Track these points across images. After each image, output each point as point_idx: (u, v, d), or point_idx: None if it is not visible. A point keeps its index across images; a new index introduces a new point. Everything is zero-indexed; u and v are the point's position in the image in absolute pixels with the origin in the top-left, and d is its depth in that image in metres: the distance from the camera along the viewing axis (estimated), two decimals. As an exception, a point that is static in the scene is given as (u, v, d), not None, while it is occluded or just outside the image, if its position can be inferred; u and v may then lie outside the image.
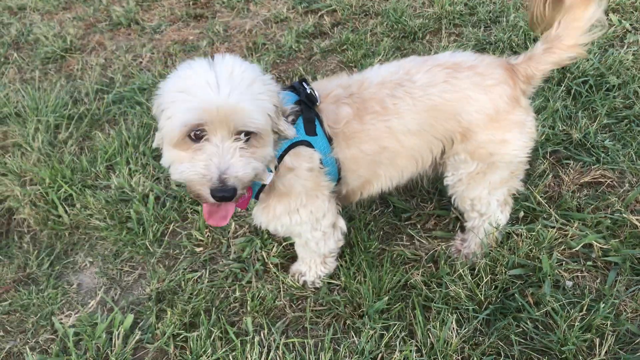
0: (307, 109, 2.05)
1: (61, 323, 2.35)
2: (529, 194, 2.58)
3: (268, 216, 2.09)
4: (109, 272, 2.59)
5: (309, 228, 2.16)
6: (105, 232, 2.73)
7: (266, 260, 2.51)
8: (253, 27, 4.25)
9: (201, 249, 2.64)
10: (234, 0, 4.57)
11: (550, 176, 2.70)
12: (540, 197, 2.57)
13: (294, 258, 2.49)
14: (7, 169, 3.12)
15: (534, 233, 2.39)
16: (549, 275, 2.26)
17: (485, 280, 2.25)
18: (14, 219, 2.95)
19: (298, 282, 2.40)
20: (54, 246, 2.75)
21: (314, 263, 2.36)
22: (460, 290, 2.22)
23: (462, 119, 2.06)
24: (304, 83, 2.06)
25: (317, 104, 2.04)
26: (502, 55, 3.41)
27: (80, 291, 2.54)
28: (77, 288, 2.54)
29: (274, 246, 2.56)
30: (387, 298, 2.24)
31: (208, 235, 2.67)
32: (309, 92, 2.03)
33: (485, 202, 2.26)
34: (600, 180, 2.69)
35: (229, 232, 2.69)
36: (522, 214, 2.52)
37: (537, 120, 2.95)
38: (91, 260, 2.66)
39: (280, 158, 2.00)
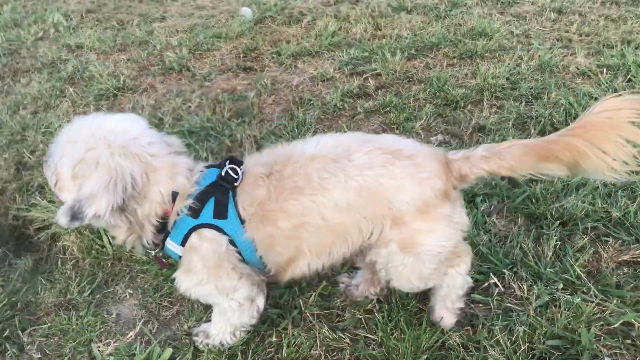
0: (220, 191, 2.12)
1: (99, 351, 2.38)
2: (569, 267, 2.61)
3: (183, 284, 2.21)
4: (148, 305, 2.63)
5: (223, 298, 2.22)
6: (146, 265, 2.79)
7: (303, 309, 2.54)
8: (300, 83, 4.42)
9: (239, 291, 2.67)
10: (283, 57, 4.76)
11: (590, 251, 2.72)
12: (580, 270, 2.59)
13: (331, 308, 2.52)
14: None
15: (572, 306, 2.41)
16: (588, 350, 2.25)
17: (522, 348, 2.25)
18: (57, 244, 3.03)
19: (201, 344, 2.38)
20: (96, 275, 2.81)
21: (223, 331, 2.36)
22: (498, 356, 2.22)
23: (393, 206, 2.08)
24: (227, 162, 2.15)
25: (237, 184, 2.13)
26: (544, 131, 3.52)
27: (119, 321, 2.57)
28: (116, 318, 2.58)
29: (312, 295, 2.60)
30: (425, 357, 2.25)
31: (247, 279, 2.71)
32: (223, 173, 2.12)
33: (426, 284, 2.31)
34: (639, 260, 2.71)
35: (267, 278, 2.73)
36: (561, 285, 2.54)
37: (577, 196, 3.01)
38: (131, 292, 2.71)
39: (187, 235, 2.13)
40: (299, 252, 2.19)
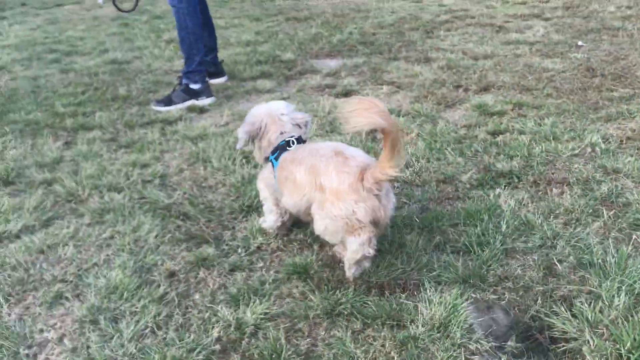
0: (283, 149, 3.83)
1: None
2: None
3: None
4: None
5: (264, 201, 4.15)
6: None
7: None
8: None
9: None
10: None
11: None
12: None
13: None
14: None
15: None
16: None
17: None
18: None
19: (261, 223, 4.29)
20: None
21: (268, 222, 4.19)
22: None
23: (322, 181, 3.42)
24: (296, 138, 3.88)
25: (289, 148, 3.82)
26: None
27: None
28: None
29: None
30: None
31: None
32: (291, 139, 3.87)
33: None
34: None
35: None
36: None
37: None
38: None
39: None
40: (283, 191, 3.75)
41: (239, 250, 4.07)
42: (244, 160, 5.48)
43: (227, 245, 4.15)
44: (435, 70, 8.22)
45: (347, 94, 7.53)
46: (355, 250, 3.40)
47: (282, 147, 3.81)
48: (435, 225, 4.21)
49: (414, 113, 6.62)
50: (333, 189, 3.28)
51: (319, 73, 8.54)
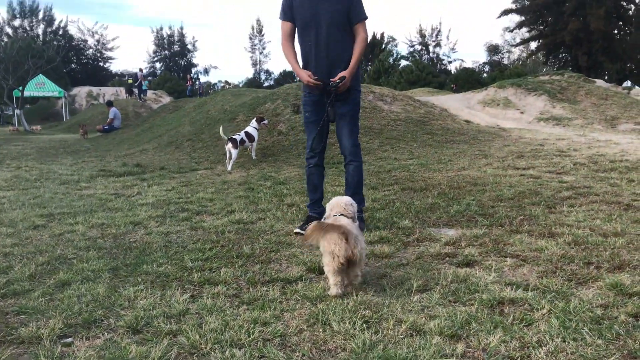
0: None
1: None
2: None
3: None
4: None
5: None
6: None
7: None
8: None
9: None
10: None
11: None
12: None
13: None
14: None
15: None
16: None
17: None
18: None
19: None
20: None
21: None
22: None
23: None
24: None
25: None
26: None
27: None
28: None
29: None
30: None
31: None
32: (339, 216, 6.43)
33: None
34: None
35: None
36: None
37: None
38: None
39: None
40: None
41: (361, 422, 3.81)
42: (364, 325, 5.35)
43: (348, 415, 3.92)
44: (562, 246, 7.91)
45: (468, 264, 7.35)
46: (327, 272, 5.98)
47: (333, 219, 6.25)
48: (579, 414, 3.76)
49: (542, 288, 6.29)
50: (329, 239, 5.73)
51: (437, 242, 8.49)
